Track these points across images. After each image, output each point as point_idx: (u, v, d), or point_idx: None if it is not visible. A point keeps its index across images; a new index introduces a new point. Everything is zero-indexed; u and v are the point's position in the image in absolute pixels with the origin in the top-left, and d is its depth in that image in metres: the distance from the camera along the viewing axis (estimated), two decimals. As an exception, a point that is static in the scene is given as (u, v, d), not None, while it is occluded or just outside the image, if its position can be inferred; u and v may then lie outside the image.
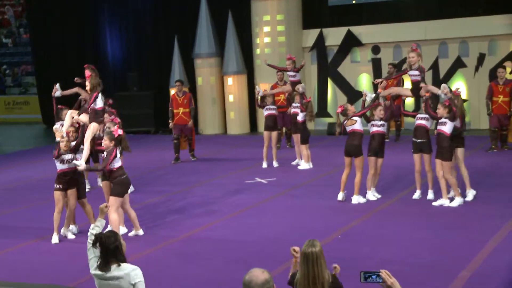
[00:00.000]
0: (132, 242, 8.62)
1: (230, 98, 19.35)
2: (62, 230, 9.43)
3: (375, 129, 10.45)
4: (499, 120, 14.00)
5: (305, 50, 19.23)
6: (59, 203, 9.18)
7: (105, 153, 8.85)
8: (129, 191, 11.72)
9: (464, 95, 17.47)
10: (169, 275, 7.66)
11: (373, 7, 18.70)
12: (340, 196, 10.60)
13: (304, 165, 13.33)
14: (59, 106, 11.88)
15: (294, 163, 13.80)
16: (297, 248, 4.96)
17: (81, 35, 22.40)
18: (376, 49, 18.37)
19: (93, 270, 4.98)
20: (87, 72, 9.74)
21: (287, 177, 12.77)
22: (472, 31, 17.22)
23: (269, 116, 13.64)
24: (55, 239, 9.19)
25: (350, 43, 18.54)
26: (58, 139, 9.22)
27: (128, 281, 4.84)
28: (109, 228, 9.04)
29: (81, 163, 9.00)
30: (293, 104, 13.42)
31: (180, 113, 14.84)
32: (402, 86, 15.15)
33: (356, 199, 10.45)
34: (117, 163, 8.79)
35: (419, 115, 10.31)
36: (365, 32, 18.37)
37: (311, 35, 19.01)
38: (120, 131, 8.80)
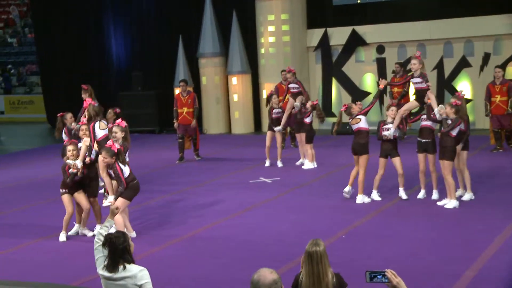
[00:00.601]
0: (136, 241, 8.63)
1: (235, 97, 19.36)
2: (80, 230, 9.48)
3: (386, 132, 10.37)
4: (498, 120, 13.96)
5: (310, 50, 19.23)
6: (69, 206, 9.20)
7: (111, 172, 8.81)
8: None
9: (468, 95, 17.45)
10: (173, 274, 7.67)
11: (378, 6, 18.68)
12: (346, 189, 10.64)
13: (308, 164, 13.34)
14: (60, 114, 11.87)
15: (298, 163, 13.81)
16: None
17: (86, 35, 22.44)
18: (380, 48, 18.35)
19: (101, 270, 4.99)
20: (86, 102, 9.93)
21: (291, 176, 12.77)
22: (477, 31, 17.19)
23: (276, 120, 13.65)
24: (62, 237, 9.24)
25: (355, 42, 18.52)
26: (73, 171, 9.18)
27: (134, 282, 4.85)
28: (113, 230, 9.09)
29: (78, 163, 9.10)
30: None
31: (184, 112, 14.85)
32: (408, 89, 15.15)
33: (361, 198, 10.45)
34: (126, 172, 8.79)
35: (423, 116, 10.30)
36: (370, 32, 18.35)
37: (316, 35, 19.00)
38: (118, 146, 8.75)
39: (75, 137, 11.16)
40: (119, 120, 9.48)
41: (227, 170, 13.69)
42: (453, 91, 17.24)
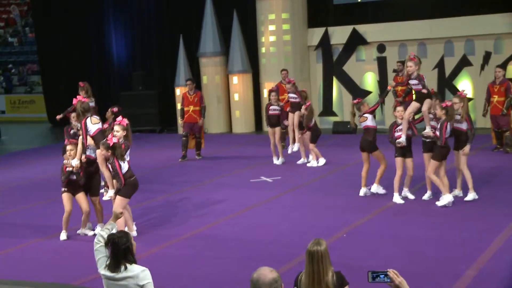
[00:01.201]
0: (137, 241, 8.61)
1: (235, 97, 19.36)
2: (80, 230, 9.49)
3: (400, 133, 10.33)
4: (496, 120, 13.90)
5: (310, 49, 19.22)
6: (67, 204, 9.20)
7: (110, 167, 8.81)
8: None
9: (469, 94, 17.44)
10: (174, 274, 7.67)
11: (378, 5, 18.67)
12: (361, 192, 10.69)
13: (313, 162, 13.40)
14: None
15: (300, 162, 13.81)
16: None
17: (86, 34, 22.45)
18: (381, 47, 18.34)
19: (102, 270, 4.98)
20: (74, 100, 9.94)
21: (292, 175, 12.77)
22: (477, 29, 17.17)
23: (272, 116, 13.71)
24: (63, 236, 9.25)
25: (355, 41, 18.51)
26: (69, 169, 9.19)
27: (136, 282, 4.85)
28: (114, 230, 9.10)
29: (75, 162, 9.10)
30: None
31: (190, 111, 14.90)
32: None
33: (375, 188, 10.58)
34: (125, 168, 8.77)
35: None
36: (371, 31, 18.34)
37: (316, 34, 18.99)
38: (115, 139, 8.72)
39: (74, 137, 11.16)
40: (120, 118, 9.47)
41: (228, 170, 13.69)
42: (454, 90, 17.24)
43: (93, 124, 9.69)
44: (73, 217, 9.57)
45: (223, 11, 19.51)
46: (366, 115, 10.57)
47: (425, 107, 10.14)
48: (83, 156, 9.39)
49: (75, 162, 9.16)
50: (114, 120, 11.80)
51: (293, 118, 13.41)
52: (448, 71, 17.68)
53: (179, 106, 19.42)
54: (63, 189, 9.27)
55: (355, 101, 10.92)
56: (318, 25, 18.96)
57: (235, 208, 10.49)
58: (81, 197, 9.30)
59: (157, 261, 7.95)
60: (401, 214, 9.71)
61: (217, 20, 19.36)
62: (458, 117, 9.94)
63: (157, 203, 11.21)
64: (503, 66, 14.44)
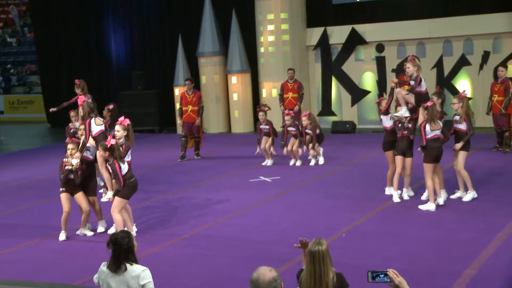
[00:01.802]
0: (137, 241, 8.61)
1: (234, 96, 19.37)
2: (79, 231, 9.49)
3: (405, 132, 10.33)
4: (496, 119, 13.90)
5: (309, 49, 19.23)
6: (66, 204, 9.19)
7: (109, 168, 8.81)
8: None
9: (468, 93, 17.45)
10: (174, 273, 7.67)
11: (377, 5, 18.68)
12: (387, 191, 10.69)
13: (313, 161, 13.53)
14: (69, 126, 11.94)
15: (298, 164, 13.77)
16: (303, 239, 5.02)
17: (85, 34, 22.46)
18: (380, 47, 18.36)
19: (103, 268, 5.01)
20: (80, 99, 9.96)
21: (291, 175, 12.78)
22: (476, 29, 17.19)
23: (264, 132, 13.91)
24: (62, 236, 9.24)
25: (354, 41, 18.53)
26: (69, 167, 9.20)
27: (137, 282, 4.86)
28: (113, 229, 9.13)
29: (75, 161, 9.11)
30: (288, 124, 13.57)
31: (189, 111, 14.93)
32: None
33: (388, 190, 10.63)
34: (124, 170, 8.77)
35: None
36: (369, 30, 18.36)
37: (315, 34, 19.01)
38: (113, 141, 8.72)
39: (73, 136, 11.17)
40: (121, 118, 9.47)
41: (227, 170, 13.70)
42: (453, 89, 17.27)
43: (97, 126, 9.74)
44: (73, 217, 9.59)
45: (222, 11, 19.52)
46: (381, 116, 10.58)
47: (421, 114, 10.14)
48: (80, 155, 9.37)
49: (75, 161, 9.16)
50: (111, 117, 11.83)
51: (293, 143, 13.57)
52: (447, 70, 17.70)
53: (178, 106, 19.48)
54: (61, 189, 9.27)
55: (377, 101, 10.99)
56: (317, 25, 18.98)
57: (234, 208, 10.50)
58: (80, 196, 9.30)
59: (157, 261, 7.96)
60: (400, 213, 9.71)
61: (216, 20, 19.37)
62: (457, 117, 9.95)
63: (157, 203, 11.21)
64: (502, 65, 14.41)
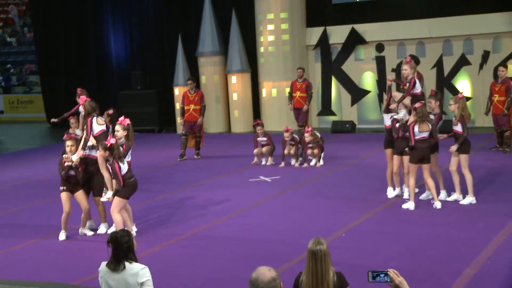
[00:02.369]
0: (136, 240, 8.61)
1: (234, 96, 19.37)
2: (80, 230, 9.48)
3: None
4: (496, 119, 13.88)
5: (309, 48, 19.23)
6: (66, 204, 9.18)
7: (109, 168, 8.81)
8: None
9: (468, 93, 17.46)
10: (174, 273, 7.67)
11: (377, 5, 18.68)
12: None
13: (313, 161, 13.52)
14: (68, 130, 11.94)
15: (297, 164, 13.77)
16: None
17: (85, 34, 22.45)
18: (380, 47, 18.35)
19: (103, 267, 5.02)
20: (81, 99, 9.95)
21: (291, 175, 12.78)
22: (476, 29, 17.19)
23: (261, 144, 13.99)
24: (62, 236, 9.24)
25: (354, 41, 18.52)
26: (68, 163, 9.19)
27: (136, 280, 4.88)
28: (113, 229, 9.13)
29: (75, 157, 9.13)
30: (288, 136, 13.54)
31: (191, 110, 14.99)
32: (423, 83, 15.06)
33: (389, 191, 10.63)
34: (124, 170, 8.76)
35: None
36: (369, 30, 18.36)
37: (315, 33, 19.00)
38: (113, 140, 8.72)
39: None
40: (121, 118, 9.47)
41: (227, 169, 13.70)
42: (452, 89, 17.27)
43: (98, 125, 9.73)
44: (73, 217, 9.58)
45: (221, 11, 19.53)
46: (383, 115, 10.64)
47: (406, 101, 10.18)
48: (82, 152, 9.37)
49: (75, 157, 9.16)
50: (110, 122, 11.87)
51: (290, 148, 13.63)
52: (446, 70, 17.70)
53: (178, 105, 19.48)
54: (61, 188, 9.25)
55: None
56: (317, 25, 18.97)
57: (234, 208, 10.49)
58: (80, 195, 9.29)
59: (157, 261, 7.95)
60: (400, 213, 9.71)
61: (216, 19, 19.36)
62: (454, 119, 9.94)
63: (157, 203, 11.21)
64: (502, 64, 14.39)
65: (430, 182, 9.85)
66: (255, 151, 13.92)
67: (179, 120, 15.16)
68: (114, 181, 8.91)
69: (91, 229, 9.58)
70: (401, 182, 10.59)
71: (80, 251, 8.78)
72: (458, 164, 10.00)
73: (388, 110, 10.49)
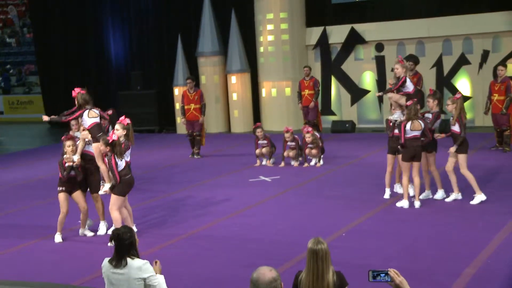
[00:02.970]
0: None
1: (234, 96, 19.37)
2: (80, 231, 9.47)
3: (396, 131, 10.38)
4: (496, 119, 13.87)
5: (309, 48, 19.23)
6: (64, 204, 9.17)
7: (106, 161, 8.83)
8: None
9: (468, 92, 17.47)
10: (173, 273, 7.66)
11: (377, 4, 18.69)
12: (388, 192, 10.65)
13: (314, 161, 13.53)
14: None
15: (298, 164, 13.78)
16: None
17: (84, 34, 22.45)
18: (379, 46, 18.36)
19: (106, 264, 5.05)
20: (74, 90, 9.87)
21: (291, 175, 12.78)
22: (476, 28, 17.19)
23: (261, 147, 13.96)
24: (58, 238, 9.21)
25: (354, 40, 18.53)
26: (69, 164, 9.18)
27: (139, 275, 4.96)
28: (113, 228, 9.14)
29: (75, 158, 9.11)
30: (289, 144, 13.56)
31: (192, 109, 15.09)
32: (420, 86, 15.09)
33: (396, 188, 10.67)
34: (121, 166, 8.76)
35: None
36: (369, 30, 18.36)
37: (315, 33, 19.01)
38: (115, 137, 8.71)
39: None
40: (122, 118, 9.47)
41: (227, 169, 13.70)
42: (452, 88, 17.27)
43: (90, 118, 9.55)
44: (73, 217, 9.59)
45: (221, 11, 19.53)
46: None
47: (402, 100, 10.26)
48: (79, 152, 9.34)
49: (76, 157, 9.15)
50: (110, 122, 11.87)
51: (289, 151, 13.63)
52: (446, 69, 17.70)
53: (177, 105, 19.48)
54: (60, 188, 9.23)
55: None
56: (317, 24, 18.98)
57: (234, 208, 10.50)
58: (78, 195, 9.28)
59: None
60: (400, 212, 9.71)
61: (216, 19, 19.37)
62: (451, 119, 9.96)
63: (156, 203, 11.21)
64: (502, 64, 14.37)
65: (416, 180, 9.87)
66: (257, 151, 13.90)
67: (179, 119, 15.20)
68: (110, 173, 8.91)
69: (91, 230, 9.57)
70: (393, 180, 10.64)
71: (80, 251, 8.78)
72: (455, 164, 10.00)
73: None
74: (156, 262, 5.31)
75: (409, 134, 9.74)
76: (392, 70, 16.64)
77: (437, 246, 8.10)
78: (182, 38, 19.67)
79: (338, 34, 18.71)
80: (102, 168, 9.08)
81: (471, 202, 9.90)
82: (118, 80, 21.87)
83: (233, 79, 19.31)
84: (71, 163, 9.12)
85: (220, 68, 19.60)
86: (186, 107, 15.11)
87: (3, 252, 8.91)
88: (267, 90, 19.15)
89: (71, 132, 11.70)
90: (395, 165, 10.53)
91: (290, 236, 8.81)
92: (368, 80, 18.76)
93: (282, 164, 13.63)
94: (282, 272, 6.67)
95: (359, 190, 11.14)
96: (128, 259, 4.99)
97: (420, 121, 9.80)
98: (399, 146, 9.96)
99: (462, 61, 17.53)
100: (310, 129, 13.50)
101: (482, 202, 9.87)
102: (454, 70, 17.64)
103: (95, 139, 9.24)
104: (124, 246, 4.99)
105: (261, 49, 19.09)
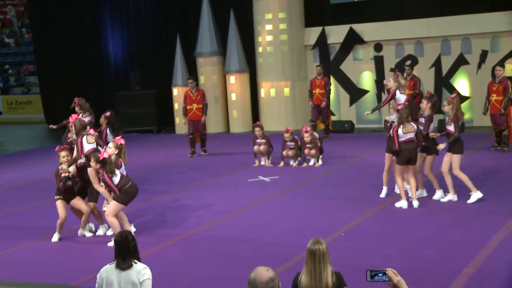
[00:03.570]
0: (136, 240, 8.61)
1: (233, 96, 19.37)
2: (79, 232, 9.48)
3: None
4: (494, 119, 13.87)
5: (307, 48, 19.24)
6: (62, 211, 9.16)
7: (101, 181, 8.87)
8: None
9: (466, 93, 17.48)
10: (173, 273, 7.67)
11: (375, 4, 18.70)
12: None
13: (312, 161, 13.50)
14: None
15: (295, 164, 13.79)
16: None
17: (83, 34, 22.44)
18: (378, 46, 18.36)
19: (108, 267, 5.12)
20: (72, 117, 10.02)
21: (290, 175, 12.78)
22: (474, 28, 17.20)
23: (260, 145, 13.93)
24: (55, 238, 9.23)
25: (352, 41, 18.53)
26: (65, 174, 9.19)
27: (138, 278, 5.05)
28: (110, 232, 9.16)
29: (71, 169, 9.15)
30: (288, 144, 13.57)
31: (194, 109, 15.17)
32: (419, 90, 15.14)
33: (384, 191, 10.68)
34: (116, 180, 8.76)
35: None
36: (367, 30, 18.37)
37: (313, 33, 19.01)
38: (106, 154, 8.74)
39: (70, 145, 11.09)
40: (118, 138, 9.52)
41: (226, 169, 13.70)
42: (451, 88, 17.28)
43: (88, 144, 9.79)
44: (73, 218, 9.59)
45: (220, 11, 19.52)
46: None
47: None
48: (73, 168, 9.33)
49: (72, 168, 9.16)
50: (108, 124, 11.90)
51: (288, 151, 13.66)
52: (445, 69, 17.71)
53: (176, 106, 19.49)
54: (57, 197, 9.24)
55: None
56: (315, 25, 18.98)
57: (233, 208, 10.50)
58: (77, 201, 9.28)
59: (157, 261, 7.95)
60: (398, 212, 9.72)
61: (214, 19, 19.37)
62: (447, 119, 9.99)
63: (155, 203, 11.22)
64: (500, 64, 14.37)
65: (412, 182, 9.87)
66: (255, 148, 13.89)
67: (179, 120, 15.26)
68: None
69: (90, 231, 9.57)
70: (393, 181, 10.66)
71: (80, 252, 8.79)
72: (451, 165, 10.02)
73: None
74: None
75: (402, 138, 9.78)
76: (391, 70, 16.81)
77: (436, 246, 8.12)
78: (181, 38, 19.67)
79: (336, 34, 18.72)
80: (101, 190, 9.08)
81: (468, 201, 9.92)
82: (117, 80, 21.87)
83: (232, 79, 19.31)
84: (66, 174, 9.13)
85: (219, 68, 19.60)
86: (188, 107, 15.17)
87: (3, 252, 8.92)
88: (266, 90, 19.16)
89: (69, 134, 11.74)
90: (394, 164, 10.53)
91: (289, 236, 8.82)
92: (367, 80, 18.77)
93: (281, 164, 13.64)
94: (281, 272, 6.69)
95: (358, 190, 11.15)
96: (132, 263, 5.09)
97: (412, 124, 9.84)
98: (393, 152, 9.99)
99: (461, 61, 17.54)
100: (308, 128, 13.51)
101: (479, 200, 9.89)
102: (453, 70, 17.65)
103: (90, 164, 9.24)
104: (128, 249, 5.09)
105: (260, 49, 19.09)
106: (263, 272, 3.89)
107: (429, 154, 10.23)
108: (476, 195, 9.93)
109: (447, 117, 10.00)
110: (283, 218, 9.81)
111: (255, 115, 19.42)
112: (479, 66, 17.29)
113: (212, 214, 10.23)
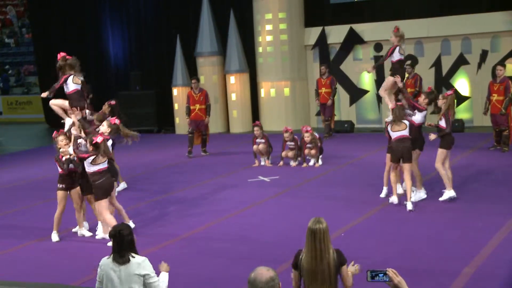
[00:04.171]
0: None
1: (233, 96, 19.37)
2: (78, 231, 9.48)
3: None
4: (495, 119, 13.86)
5: (307, 48, 19.24)
6: (62, 202, 9.18)
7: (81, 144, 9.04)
8: (121, 187, 11.82)
9: (467, 92, 17.48)
10: (172, 273, 7.63)
11: (375, 4, 18.70)
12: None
13: (312, 161, 13.50)
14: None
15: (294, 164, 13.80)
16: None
17: (83, 34, 22.43)
18: (378, 46, 18.36)
19: (105, 261, 5.12)
20: (60, 54, 9.79)
21: (290, 175, 12.78)
22: (474, 28, 17.20)
23: (260, 145, 13.92)
24: (54, 237, 9.22)
25: (352, 40, 18.54)
26: (67, 156, 9.19)
27: (139, 272, 5.04)
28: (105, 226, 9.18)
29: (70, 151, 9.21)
30: (288, 143, 13.59)
31: (197, 109, 15.22)
32: (420, 88, 15.14)
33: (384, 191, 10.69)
34: (92, 168, 8.75)
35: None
36: (367, 30, 18.37)
37: (313, 33, 19.01)
38: (100, 138, 8.73)
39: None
40: (113, 118, 9.51)
41: (226, 169, 13.70)
42: (451, 88, 17.27)
43: (73, 83, 9.54)
44: (73, 218, 9.59)
45: (220, 11, 19.52)
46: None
47: (382, 90, 10.52)
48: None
49: (71, 149, 9.15)
50: (110, 112, 11.83)
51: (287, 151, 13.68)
52: (445, 69, 17.71)
53: (176, 106, 19.50)
54: (60, 185, 9.22)
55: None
56: (315, 25, 18.98)
57: (233, 208, 10.50)
58: (75, 194, 9.29)
59: (156, 261, 7.93)
60: (399, 212, 9.72)
61: (214, 19, 19.37)
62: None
63: (155, 203, 11.21)
64: (501, 64, 14.36)
65: (408, 183, 9.85)
66: (254, 147, 13.89)
67: (186, 119, 15.45)
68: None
69: (89, 230, 9.57)
70: (401, 180, 10.64)
71: (79, 251, 8.79)
72: (444, 161, 10.04)
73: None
74: (162, 264, 5.47)
75: (393, 136, 9.85)
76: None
77: (436, 246, 8.12)
78: (180, 38, 19.67)
79: (336, 34, 18.72)
80: (73, 119, 9.28)
81: (440, 199, 10.01)
82: (117, 80, 21.86)
83: (232, 79, 19.31)
84: (68, 156, 9.13)
85: (219, 68, 19.60)
86: (191, 107, 15.24)
87: (2, 252, 8.92)
88: (265, 90, 19.16)
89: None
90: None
91: (289, 236, 8.81)
92: (366, 80, 18.77)
93: (281, 163, 13.64)
94: (281, 272, 6.69)
95: (358, 190, 11.14)
96: (129, 257, 5.06)
97: (405, 121, 9.87)
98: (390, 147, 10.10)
99: (461, 61, 17.54)
100: (309, 128, 13.50)
101: (477, 199, 9.92)
102: (453, 70, 17.65)
103: (74, 104, 9.38)
104: (125, 243, 5.05)
105: (260, 49, 19.09)
106: (263, 272, 3.89)
107: (413, 149, 10.20)
108: (448, 193, 10.00)
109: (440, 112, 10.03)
110: (283, 218, 9.81)
111: (255, 115, 19.42)
112: (479, 66, 17.29)
113: (212, 214, 10.23)
